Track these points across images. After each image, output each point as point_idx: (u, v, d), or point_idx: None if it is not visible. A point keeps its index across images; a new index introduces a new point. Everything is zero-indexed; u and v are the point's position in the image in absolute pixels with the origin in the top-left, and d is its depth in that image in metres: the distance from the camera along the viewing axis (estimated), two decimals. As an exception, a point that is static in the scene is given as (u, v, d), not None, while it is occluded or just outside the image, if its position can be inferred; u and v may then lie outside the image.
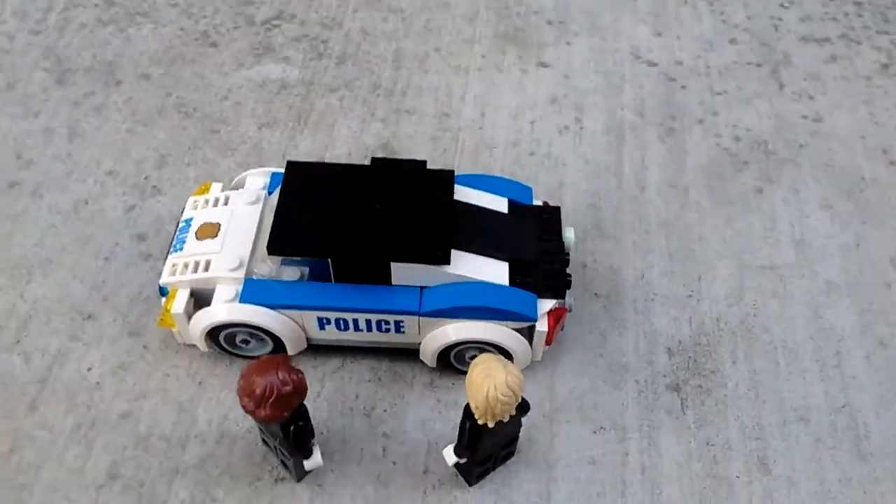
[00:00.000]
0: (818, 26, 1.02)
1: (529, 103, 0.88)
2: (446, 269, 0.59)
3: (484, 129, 0.84)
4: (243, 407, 0.50)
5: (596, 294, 0.71)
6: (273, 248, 0.58)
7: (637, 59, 0.95)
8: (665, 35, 0.98)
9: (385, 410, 0.62)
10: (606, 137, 0.85)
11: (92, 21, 0.92)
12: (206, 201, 0.66)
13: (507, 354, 0.61)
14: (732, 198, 0.80)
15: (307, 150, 0.80)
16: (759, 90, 0.92)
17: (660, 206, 0.79)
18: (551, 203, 0.71)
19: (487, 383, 0.50)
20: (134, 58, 0.88)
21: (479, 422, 0.51)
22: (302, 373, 0.51)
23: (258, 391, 0.49)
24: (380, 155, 0.78)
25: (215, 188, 0.68)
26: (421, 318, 0.59)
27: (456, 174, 0.66)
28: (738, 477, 0.61)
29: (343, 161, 0.79)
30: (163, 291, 0.61)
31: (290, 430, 0.52)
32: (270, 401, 0.49)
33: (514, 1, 1.01)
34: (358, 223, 0.58)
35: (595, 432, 0.62)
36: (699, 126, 0.87)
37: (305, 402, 0.53)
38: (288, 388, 0.49)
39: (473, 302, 0.58)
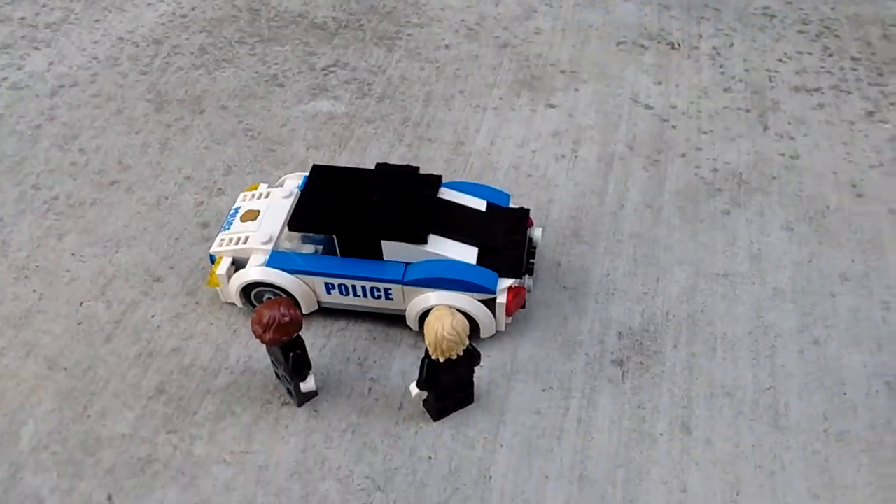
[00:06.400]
0: (812, 78, 1.13)
1: (534, 136, 1.03)
2: (425, 248, 0.74)
3: (491, 154, 1.00)
4: (254, 332, 0.66)
5: (564, 287, 0.84)
6: (293, 225, 0.75)
7: (636, 103, 1.09)
8: (665, 84, 1.12)
9: (375, 361, 0.77)
10: (597, 165, 0.99)
11: (188, 66, 1.15)
12: (253, 195, 0.84)
13: (474, 322, 0.75)
14: (702, 217, 0.92)
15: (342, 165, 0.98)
16: (744, 131, 1.04)
17: (634, 221, 0.92)
18: (532, 213, 0.85)
19: (437, 324, 0.64)
20: (216, 93, 1.10)
21: (433, 357, 0.66)
22: (298, 309, 0.67)
23: (265, 320, 0.65)
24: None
25: (262, 187, 0.86)
26: (405, 286, 0.74)
27: (448, 181, 0.83)
28: (661, 434, 0.71)
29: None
30: (212, 259, 0.79)
31: (289, 356, 0.68)
32: (273, 327, 0.65)
33: (534, 54, 1.17)
34: (359, 210, 0.75)
35: (544, 390, 0.75)
36: (681, 159, 1.00)
37: (311, 351, 0.70)
38: (287, 318, 0.65)
39: (444, 274, 0.73)
